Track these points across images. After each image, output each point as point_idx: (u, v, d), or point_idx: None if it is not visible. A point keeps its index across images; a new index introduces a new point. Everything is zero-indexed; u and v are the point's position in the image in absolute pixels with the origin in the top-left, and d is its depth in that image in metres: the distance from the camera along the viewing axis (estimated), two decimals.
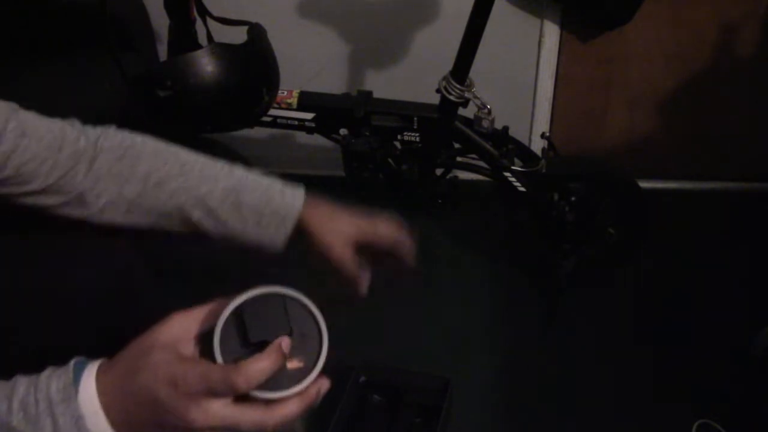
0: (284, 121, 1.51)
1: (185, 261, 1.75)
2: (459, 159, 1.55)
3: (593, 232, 1.59)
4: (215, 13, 1.41)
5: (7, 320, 0.76)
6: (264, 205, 0.82)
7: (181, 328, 0.57)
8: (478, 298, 1.67)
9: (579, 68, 1.88)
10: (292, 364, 0.56)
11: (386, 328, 1.57)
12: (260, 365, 0.53)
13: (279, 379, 0.55)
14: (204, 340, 0.57)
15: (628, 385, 1.44)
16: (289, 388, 0.55)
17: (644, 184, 1.59)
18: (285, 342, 0.55)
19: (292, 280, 0.61)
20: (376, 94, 1.53)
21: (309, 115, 1.50)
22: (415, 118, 1.47)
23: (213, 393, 0.52)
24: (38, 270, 0.78)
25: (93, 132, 0.79)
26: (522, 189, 1.49)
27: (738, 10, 1.76)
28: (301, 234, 0.84)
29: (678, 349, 1.51)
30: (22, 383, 0.54)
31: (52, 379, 0.54)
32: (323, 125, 1.52)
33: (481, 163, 1.50)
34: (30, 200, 0.75)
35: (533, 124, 1.97)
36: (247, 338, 0.55)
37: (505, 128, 1.51)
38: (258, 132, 1.68)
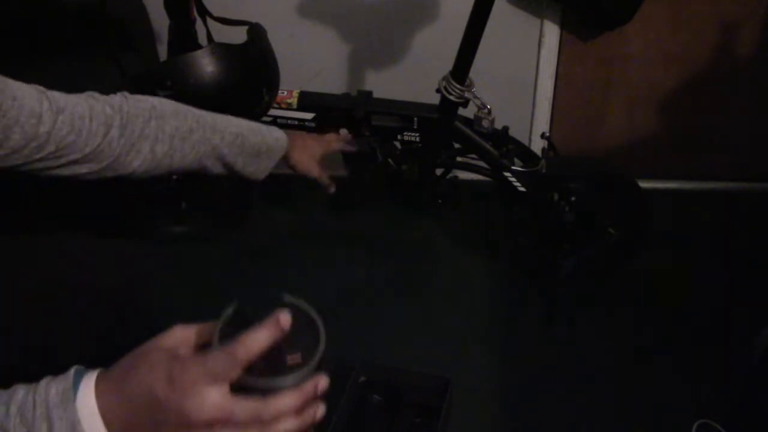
0: (284, 121, 1.51)
1: (186, 261, 1.75)
2: (459, 159, 1.55)
3: (593, 232, 1.59)
4: (215, 13, 1.41)
5: (7, 320, 0.76)
6: (261, 144, 1.02)
7: (181, 336, 0.57)
8: (478, 298, 1.67)
9: (579, 68, 1.88)
10: (292, 360, 0.56)
11: (386, 328, 1.57)
12: (259, 334, 0.53)
13: (277, 371, 0.54)
14: (203, 349, 0.57)
15: (628, 385, 1.44)
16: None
17: (644, 184, 1.59)
18: (283, 316, 0.54)
19: (291, 282, 0.61)
20: (376, 94, 1.53)
21: (309, 115, 1.50)
22: (415, 118, 1.47)
23: (211, 374, 0.52)
24: (38, 270, 0.78)
25: (115, 99, 0.86)
26: (522, 189, 1.49)
27: (738, 10, 1.77)
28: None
29: (678, 349, 1.51)
30: (21, 389, 0.54)
31: (51, 385, 0.54)
32: (323, 125, 1.52)
33: (481, 163, 1.50)
34: (67, 171, 0.81)
35: (533, 124, 1.97)
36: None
37: (505, 128, 1.51)
38: None
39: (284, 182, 1.29)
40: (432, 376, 1.34)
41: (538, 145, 1.87)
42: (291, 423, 0.55)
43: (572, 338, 1.55)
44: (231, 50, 1.28)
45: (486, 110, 1.45)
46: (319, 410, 0.59)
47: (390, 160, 1.52)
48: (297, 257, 1.78)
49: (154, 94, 1.24)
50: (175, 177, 1.60)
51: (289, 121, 1.51)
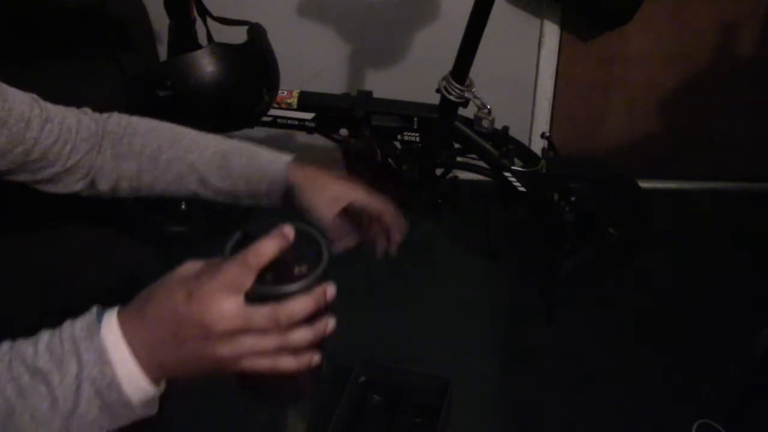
0: (284, 121, 1.51)
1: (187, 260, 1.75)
2: (459, 159, 1.55)
3: (593, 232, 1.59)
4: (215, 13, 1.41)
5: (6, 320, 0.76)
6: (248, 166, 0.87)
7: (194, 267, 0.58)
8: (478, 298, 1.67)
9: (579, 68, 1.88)
10: (299, 271, 0.58)
11: (386, 328, 1.57)
12: (266, 243, 0.56)
13: (286, 279, 0.57)
14: None
15: (628, 385, 1.44)
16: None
17: (644, 184, 1.59)
18: (287, 228, 0.57)
19: None
20: (376, 94, 1.53)
21: (309, 115, 1.50)
22: (415, 118, 1.47)
23: (227, 284, 0.55)
24: (38, 269, 0.78)
25: (101, 117, 0.85)
26: (522, 189, 1.49)
27: (738, 10, 1.76)
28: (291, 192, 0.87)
29: (678, 349, 1.51)
30: (46, 333, 0.57)
31: (75, 322, 0.56)
32: (323, 125, 1.52)
33: (481, 163, 1.50)
34: (50, 187, 0.81)
35: (533, 124, 1.97)
36: None
37: (505, 128, 1.51)
38: (258, 132, 1.68)
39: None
40: (432, 376, 1.34)
41: (538, 145, 1.87)
42: (305, 332, 0.58)
43: (572, 338, 1.55)
44: (231, 50, 1.28)
45: (486, 110, 1.45)
46: (330, 323, 0.60)
47: (390, 160, 1.52)
48: None
49: (154, 94, 1.25)
50: None
51: (289, 121, 1.51)
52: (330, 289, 0.59)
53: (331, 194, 0.86)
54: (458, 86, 1.40)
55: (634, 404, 1.39)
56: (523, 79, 1.90)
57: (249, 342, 0.56)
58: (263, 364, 0.58)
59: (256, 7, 1.72)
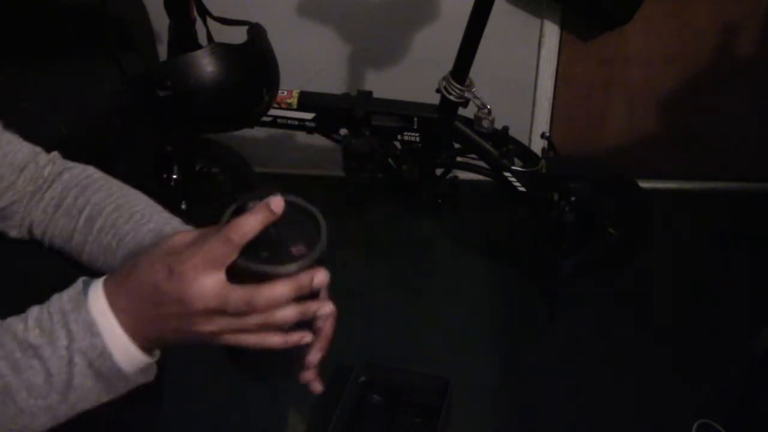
0: (284, 121, 1.51)
1: None
2: (459, 159, 1.55)
3: (593, 232, 1.59)
4: (215, 13, 1.41)
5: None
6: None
7: (183, 239, 0.57)
8: (478, 298, 1.67)
9: (579, 68, 1.88)
10: (297, 251, 0.57)
11: (386, 328, 1.57)
12: (249, 217, 0.54)
13: (282, 261, 0.56)
14: None
15: (628, 385, 1.44)
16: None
17: (644, 184, 1.59)
18: (276, 202, 0.55)
19: None
20: (376, 94, 1.53)
21: (309, 115, 1.50)
22: (415, 118, 1.47)
23: (208, 260, 0.54)
24: (38, 269, 0.77)
25: (65, 164, 0.77)
26: (522, 189, 1.49)
27: (738, 10, 1.76)
28: None
29: (678, 349, 1.51)
30: (35, 307, 0.57)
31: (63, 295, 0.57)
32: (323, 125, 1.52)
33: (481, 163, 1.50)
34: None
35: (533, 124, 1.97)
36: None
37: (505, 128, 1.50)
38: (258, 132, 1.68)
39: (284, 182, 1.29)
40: (432, 376, 1.34)
41: (538, 145, 1.87)
42: (291, 312, 0.56)
43: (572, 338, 1.55)
44: (231, 50, 1.28)
45: (486, 110, 1.45)
46: (326, 307, 0.60)
47: (390, 160, 1.53)
48: None
49: (154, 94, 1.25)
50: (174, 176, 1.60)
51: (289, 121, 1.51)
52: (319, 276, 0.57)
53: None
54: (458, 86, 1.40)
55: (634, 404, 1.39)
56: (523, 79, 1.90)
57: (227, 320, 0.55)
58: (249, 340, 0.57)
59: (256, 7, 1.71)
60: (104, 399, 0.58)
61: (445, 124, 1.47)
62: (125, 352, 0.56)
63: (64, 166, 0.77)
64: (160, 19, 1.63)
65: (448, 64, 1.40)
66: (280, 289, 0.55)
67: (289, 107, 1.49)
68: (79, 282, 0.58)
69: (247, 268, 0.55)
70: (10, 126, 0.75)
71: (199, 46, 1.33)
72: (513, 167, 1.48)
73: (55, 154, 0.78)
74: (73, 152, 0.81)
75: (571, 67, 1.88)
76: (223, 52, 1.26)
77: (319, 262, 0.58)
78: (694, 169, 2.02)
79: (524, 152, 1.52)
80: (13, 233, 0.76)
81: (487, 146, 1.47)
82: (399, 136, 1.50)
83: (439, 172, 1.59)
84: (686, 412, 1.35)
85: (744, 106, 1.91)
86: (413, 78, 1.73)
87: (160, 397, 0.84)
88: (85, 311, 0.55)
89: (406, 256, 1.82)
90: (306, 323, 0.60)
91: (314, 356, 0.65)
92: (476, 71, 1.41)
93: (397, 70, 1.88)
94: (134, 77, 1.30)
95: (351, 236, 1.86)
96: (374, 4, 1.80)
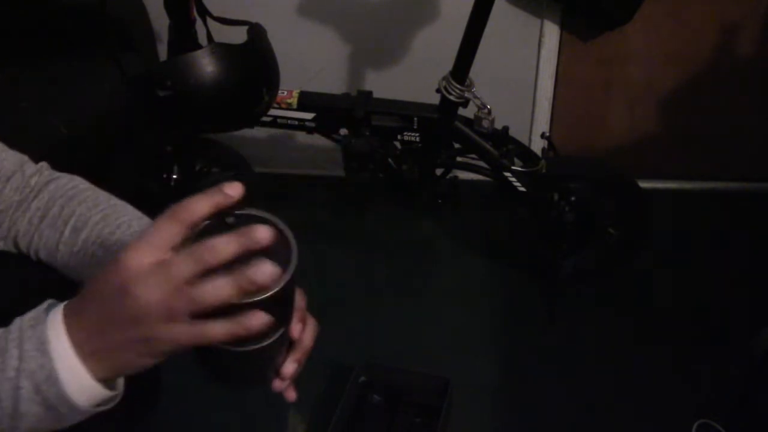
0: (284, 121, 1.51)
1: None
2: (459, 159, 1.55)
3: (593, 232, 1.59)
4: (215, 13, 1.41)
5: (6, 319, 0.76)
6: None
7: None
8: (478, 298, 1.67)
9: (579, 68, 1.88)
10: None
11: (386, 328, 1.57)
12: (201, 196, 0.51)
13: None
14: None
15: (628, 385, 1.44)
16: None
17: (644, 184, 1.59)
18: (231, 188, 0.52)
19: None
20: (376, 94, 1.53)
21: (309, 115, 1.50)
22: (415, 118, 1.47)
23: (151, 241, 0.50)
24: (37, 269, 0.77)
25: (52, 174, 0.75)
26: (522, 189, 1.49)
27: (738, 10, 1.76)
28: None
29: (678, 350, 1.51)
30: (16, 320, 0.54)
31: (27, 313, 0.54)
32: (323, 125, 1.52)
33: (481, 163, 1.50)
34: None
35: (533, 124, 1.97)
36: None
37: (505, 128, 1.50)
38: (258, 132, 1.68)
39: (284, 182, 1.28)
40: (432, 376, 1.34)
41: (538, 145, 1.87)
42: (230, 247, 0.50)
43: (572, 338, 1.55)
44: (231, 50, 1.28)
45: (486, 110, 1.45)
46: (263, 267, 0.50)
47: (390, 160, 1.53)
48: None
49: (154, 94, 1.25)
50: (174, 176, 1.60)
51: (289, 121, 1.51)
52: (262, 231, 0.50)
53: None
54: (458, 86, 1.40)
55: (634, 404, 1.39)
56: (523, 79, 1.90)
57: (184, 302, 0.49)
58: (214, 329, 0.51)
59: (256, 7, 1.71)
60: (58, 427, 0.53)
61: (445, 124, 1.47)
62: (76, 379, 0.51)
63: (51, 177, 0.75)
64: (160, 19, 1.63)
65: (448, 64, 1.40)
66: (224, 241, 0.50)
67: (289, 107, 1.49)
68: (45, 302, 0.54)
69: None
70: (10, 126, 0.75)
71: (199, 46, 1.33)
72: (513, 167, 1.48)
73: (43, 164, 0.76)
74: (73, 152, 0.81)
75: (571, 67, 1.88)
76: (223, 52, 1.27)
77: (291, 283, 0.54)
78: (694, 169, 2.02)
79: (524, 152, 1.52)
80: (0, 245, 0.73)
81: (487, 146, 1.47)
82: (399, 136, 1.50)
83: (439, 172, 1.59)
84: (686, 412, 1.35)
85: (744, 106, 1.91)
86: (413, 78, 1.73)
87: (159, 398, 0.84)
88: (41, 329, 0.51)
89: (406, 256, 1.82)
90: (281, 323, 0.58)
91: (289, 367, 0.62)
92: (476, 71, 1.41)
93: (397, 70, 1.88)
94: (134, 77, 1.30)
95: (351, 236, 1.86)
96: (374, 4, 1.80)
